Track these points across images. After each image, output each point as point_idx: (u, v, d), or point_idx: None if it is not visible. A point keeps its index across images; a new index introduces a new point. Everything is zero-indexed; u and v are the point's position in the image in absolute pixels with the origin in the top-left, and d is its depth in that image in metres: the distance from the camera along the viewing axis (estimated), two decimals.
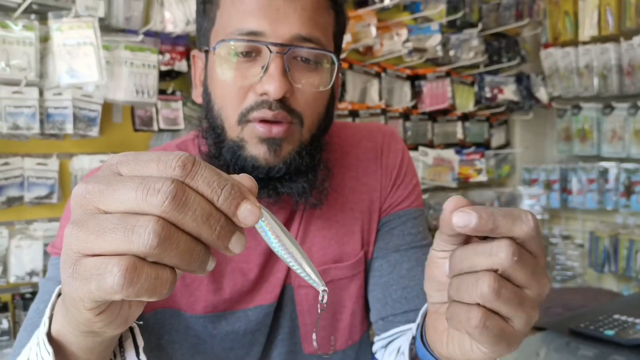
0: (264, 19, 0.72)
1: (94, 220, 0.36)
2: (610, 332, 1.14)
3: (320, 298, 0.42)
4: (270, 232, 0.39)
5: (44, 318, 0.47)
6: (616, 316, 1.23)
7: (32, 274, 1.54)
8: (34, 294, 1.60)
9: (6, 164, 1.52)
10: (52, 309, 0.48)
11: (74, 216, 0.38)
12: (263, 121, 0.72)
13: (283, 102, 0.72)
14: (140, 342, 0.52)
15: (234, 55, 0.73)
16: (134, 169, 0.37)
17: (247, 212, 0.36)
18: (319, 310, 0.43)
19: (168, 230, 0.34)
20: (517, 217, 0.44)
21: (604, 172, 2.84)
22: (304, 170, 0.76)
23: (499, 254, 0.44)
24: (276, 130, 0.72)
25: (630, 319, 1.20)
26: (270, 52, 0.71)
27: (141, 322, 0.75)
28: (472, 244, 0.47)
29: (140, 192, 0.35)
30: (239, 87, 0.73)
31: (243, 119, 0.73)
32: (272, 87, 0.70)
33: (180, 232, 0.35)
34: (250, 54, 0.73)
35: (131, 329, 0.53)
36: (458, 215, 0.44)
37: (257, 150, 0.73)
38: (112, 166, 0.38)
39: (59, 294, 0.48)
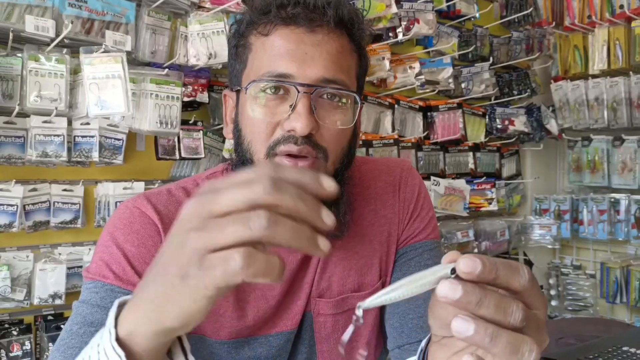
0: (293, 62, 0.77)
1: (212, 223, 0.43)
2: None
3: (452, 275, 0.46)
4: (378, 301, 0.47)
5: (107, 328, 0.52)
6: (625, 348, 1.24)
7: (55, 296, 1.57)
8: (56, 316, 1.64)
9: (34, 189, 1.58)
10: (115, 318, 0.52)
11: (189, 225, 0.45)
12: (289, 155, 0.77)
13: (309, 138, 0.77)
14: (188, 346, 0.56)
15: (264, 94, 0.79)
16: (230, 183, 0.44)
17: (328, 182, 0.46)
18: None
19: (275, 215, 0.42)
20: (515, 270, 0.45)
21: (615, 203, 2.85)
22: (327, 203, 0.81)
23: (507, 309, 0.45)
24: (302, 164, 0.77)
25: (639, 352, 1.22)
26: (298, 92, 0.76)
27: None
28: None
29: (246, 188, 0.43)
30: (268, 123, 0.78)
31: (270, 152, 0.78)
32: (299, 124, 0.75)
33: (286, 217, 0.43)
34: (279, 94, 0.78)
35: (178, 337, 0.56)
36: (464, 262, 0.44)
37: None
38: (209, 188, 0.45)
39: (119, 305, 0.54)
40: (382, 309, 0.94)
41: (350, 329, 0.50)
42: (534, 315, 0.46)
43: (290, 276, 0.87)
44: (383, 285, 0.93)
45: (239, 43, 0.85)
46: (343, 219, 0.85)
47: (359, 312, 0.48)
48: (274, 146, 0.78)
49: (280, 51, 0.78)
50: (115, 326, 0.51)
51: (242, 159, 0.83)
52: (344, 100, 0.80)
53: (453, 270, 0.44)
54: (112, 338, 0.51)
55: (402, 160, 1.02)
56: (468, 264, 0.44)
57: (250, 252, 0.42)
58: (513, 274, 0.45)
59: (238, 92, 0.84)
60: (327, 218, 0.45)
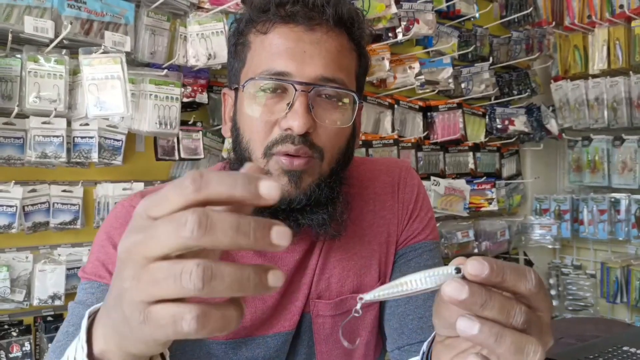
0: (291, 60, 0.77)
1: (146, 273, 0.39)
2: None
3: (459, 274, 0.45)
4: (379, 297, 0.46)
5: (79, 343, 0.50)
6: (625, 348, 1.24)
7: (54, 297, 1.57)
8: (56, 317, 1.64)
9: (33, 190, 1.57)
10: (87, 332, 0.50)
11: (126, 271, 0.40)
12: (286, 154, 0.77)
13: (305, 137, 0.76)
14: (167, 353, 0.54)
15: (262, 93, 0.78)
16: (158, 207, 0.39)
17: (267, 187, 0.38)
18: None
19: (210, 270, 0.37)
20: (522, 274, 0.45)
21: (615, 203, 2.85)
22: (323, 202, 0.80)
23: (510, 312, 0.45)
24: (297, 162, 0.77)
25: None
26: (296, 90, 0.76)
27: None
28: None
29: (172, 231, 0.37)
30: (266, 122, 0.78)
31: (268, 152, 0.78)
32: (296, 123, 0.75)
33: (224, 265, 0.37)
34: (277, 92, 0.78)
35: None
36: (472, 264, 0.44)
37: (279, 182, 0.78)
38: (142, 214, 0.40)
39: (89, 317, 0.51)
40: (381, 310, 0.93)
41: (348, 319, 0.50)
42: (537, 318, 0.46)
43: (289, 277, 0.87)
44: None
45: (238, 41, 0.84)
46: (340, 219, 0.85)
47: (358, 305, 0.48)
48: (271, 146, 0.78)
49: (279, 49, 0.78)
50: (89, 339, 0.49)
51: (240, 158, 0.82)
52: (342, 99, 0.80)
53: (458, 270, 0.45)
54: (85, 354, 0.48)
55: (401, 161, 1.02)
56: (476, 267, 0.44)
57: (203, 313, 0.38)
58: (520, 278, 0.45)
59: (237, 90, 0.84)
60: (280, 238, 0.38)
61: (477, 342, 0.44)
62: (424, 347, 0.62)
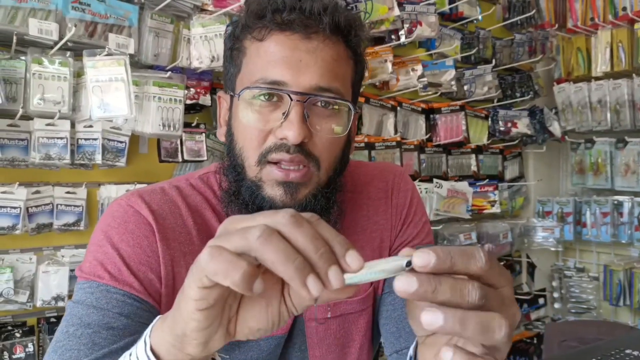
0: (287, 69, 0.75)
1: (226, 232, 0.46)
2: None
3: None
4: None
5: (142, 338, 0.54)
6: (628, 351, 1.24)
7: (57, 298, 1.57)
8: (59, 318, 1.64)
9: (37, 192, 1.58)
10: (151, 330, 0.54)
11: (216, 235, 0.47)
12: (280, 165, 0.76)
13: (301, 147, 0.75)
14: None
15: (258, 101, 0.77)
16: (247, 220, 0.47)
17: (353, 257, 0.45)
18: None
19: (271, 232, 0.44)
20: (470, 256, 0.46)
21: (618, 206, 2.85)
22: (318, 211, 0.79)
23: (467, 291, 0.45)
24: (293, 175, 0.76)
25: None
26: (291, 99, 0.75)
27: (227, 357, 0.77)
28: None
29: (270, 215, 0.45)
30: (260, 130, 0.77)
31: (262, 160, 0.77)
32: (292, 132, 0.74)
33: (283, 239, 0.44)
34: (273, 100, 0.77)
35: None
36: (418, 256, 0.45)
37: (274, 192, 0.77)
38: (227, 225, 0.48)
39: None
40: (377, 315, 0.93)
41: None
42: (497, 293, 0.47)
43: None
44: (375, 291, 0.92)
45: (233, 46, 0.83)
46: (334, 227, 0.84)
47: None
48: (265, 154, 0.77)
49: (275, 57, 0.76)
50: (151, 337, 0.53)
51: (233, 164, 0.81)
52: (337, 108, 0.79)
53: (408, 263, 0.45)
54: (147, 348, 0.52)
55: (395, 166, 1.01)
56: (422, 258, 0.44)
57: (217, 249, 0.44)
58: (469, 260, 0.45)
59: (232, 96, 0.83)
60: (334, 278, 0.44)
61: (445, 332, 0.45)
62: (410, 351, 0.61)
